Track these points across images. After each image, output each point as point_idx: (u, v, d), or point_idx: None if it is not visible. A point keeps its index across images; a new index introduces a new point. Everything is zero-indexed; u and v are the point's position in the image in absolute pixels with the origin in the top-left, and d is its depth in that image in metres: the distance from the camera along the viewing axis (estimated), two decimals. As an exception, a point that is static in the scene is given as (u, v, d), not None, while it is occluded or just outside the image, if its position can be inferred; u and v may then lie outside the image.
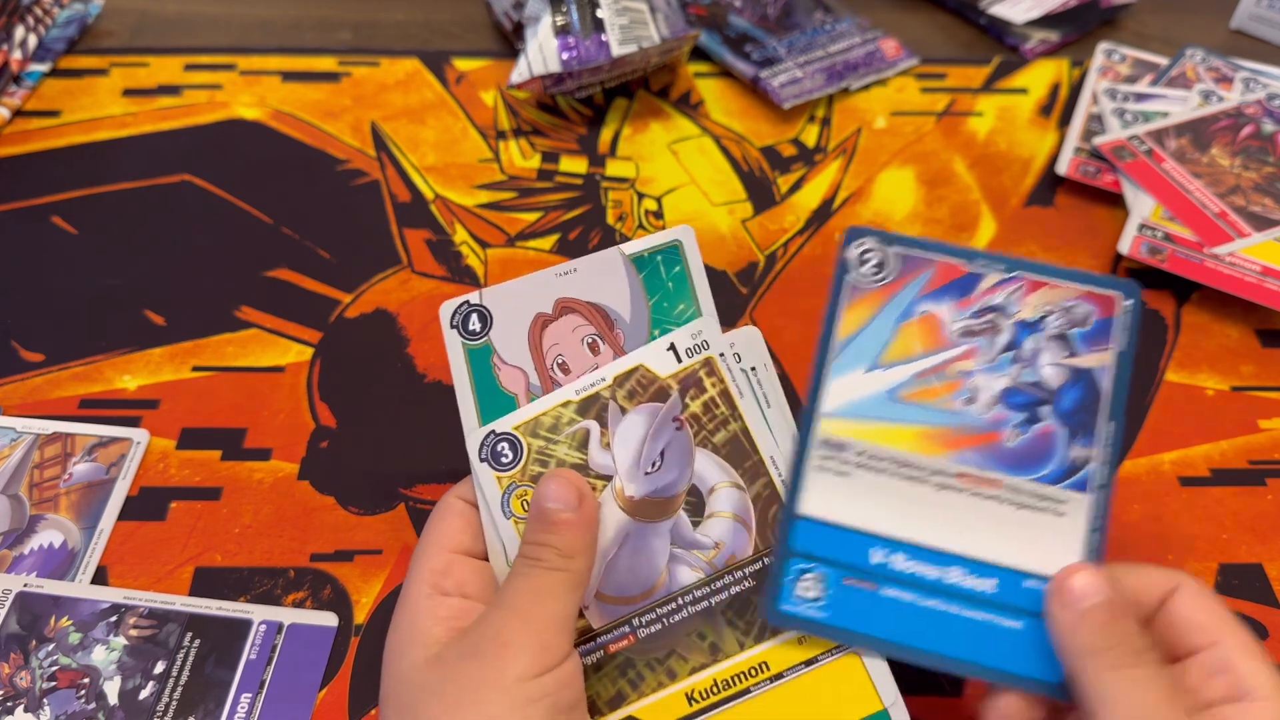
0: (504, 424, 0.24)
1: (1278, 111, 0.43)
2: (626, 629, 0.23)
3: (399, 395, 0.34)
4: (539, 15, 0.42)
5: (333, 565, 0.29)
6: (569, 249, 0.39)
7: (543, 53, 0.41)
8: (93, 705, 0.26)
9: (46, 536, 0.30)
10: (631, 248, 0.26)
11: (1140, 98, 0.44)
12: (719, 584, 0.23)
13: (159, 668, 0.27)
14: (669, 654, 0.23)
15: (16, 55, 0.44)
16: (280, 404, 0.33)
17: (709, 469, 0.24)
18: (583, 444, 0.24)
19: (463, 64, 0.46)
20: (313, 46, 0.47)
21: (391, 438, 0.33)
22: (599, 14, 0.42)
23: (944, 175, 0.42)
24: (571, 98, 0.44)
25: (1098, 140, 0.42)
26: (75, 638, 0.27)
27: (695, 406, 0.24)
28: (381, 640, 0.28)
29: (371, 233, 0.39)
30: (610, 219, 0.40)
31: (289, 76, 0.45)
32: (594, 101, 0.45)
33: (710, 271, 0.38)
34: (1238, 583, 0.29)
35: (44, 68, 0.45)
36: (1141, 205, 0.39)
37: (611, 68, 0.42)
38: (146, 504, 0.31)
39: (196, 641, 0.27)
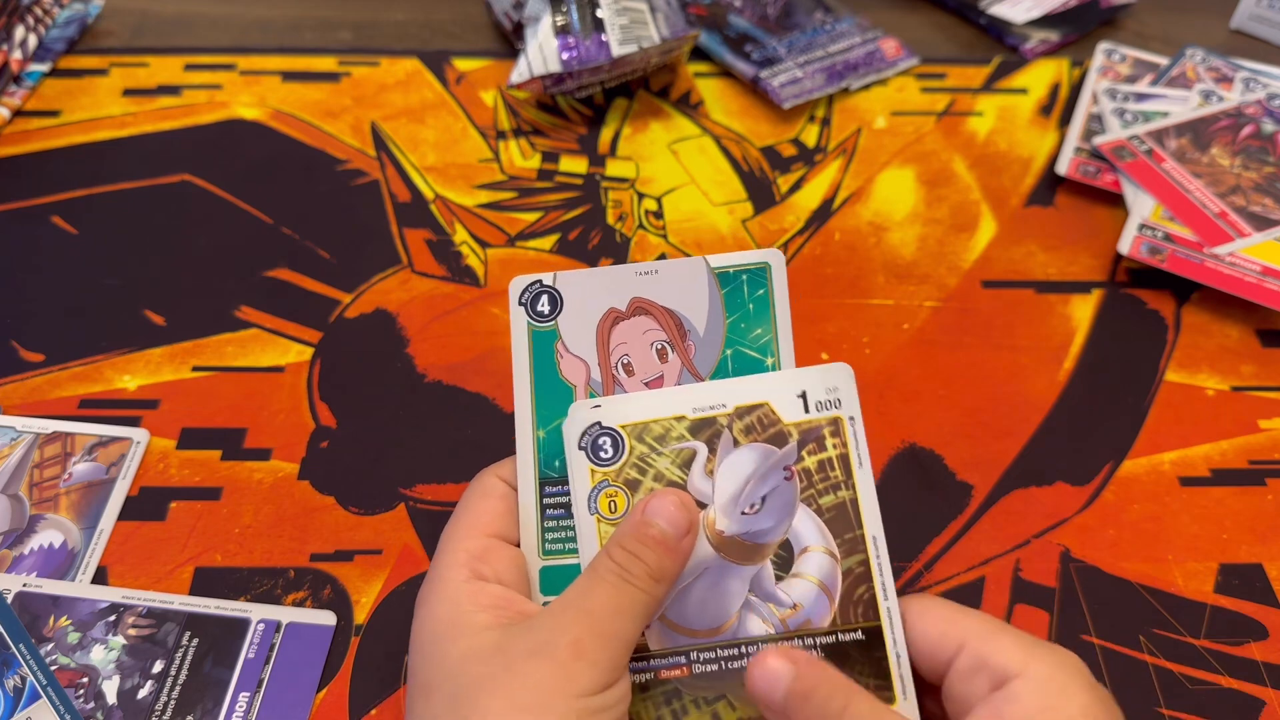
0: (612, 419, 0.24)
1: (1278, 111, 0.43)
2: (683, 660, 0.22)
3: (399, 395, 0.34)
4: (539, 15, 0.42)
5: (333, 565, 0.29)
6: (569, 249, 0.39)
7: (543, 53, 0.41)
8: (91, 704, 0.26)
9: (46, 536, 0.30)
10: (718, 261, 0.25)
11: (1140, 98, 0.44)
12: (788, 645, 0.22)
13: (157, 667, 0.27)
14: (719, 698, 0.22)
15: (16, 55, 0.44)
16: (280, 404, 0.33)
17: (808, 529, 0.23)
18: (686, 464, 0.23)
19: (463, 64, 0.46)
20: (313, 46, 0.47)
21: (391, 438, 0.33)
22: (599, 14, 0.42)
23: (944, 175, 0.42)
24: (571, 98, 0.44)
25: (1098, 140, 0.42)
26: (74, 637, 0.27)
27: (810, 462, 0.23)
28: (382, 641, 0.28)
29: (371, 233, 0.39)
30: (610, 219, 0.40)
31: (289, 76, 0.45)
32: (594, 101, 0.45)
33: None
34: (1238, 583, 0.29)
35: (44, 68, 0.45)
36: (1141, 205, 0.39)
37: (611, 68, 0.42)
38: (146, 504, 0.31)
39: (195, 641, 0.27)
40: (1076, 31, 0.49)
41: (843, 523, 0.23)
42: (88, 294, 0.36)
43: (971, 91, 0.46)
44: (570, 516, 0.24)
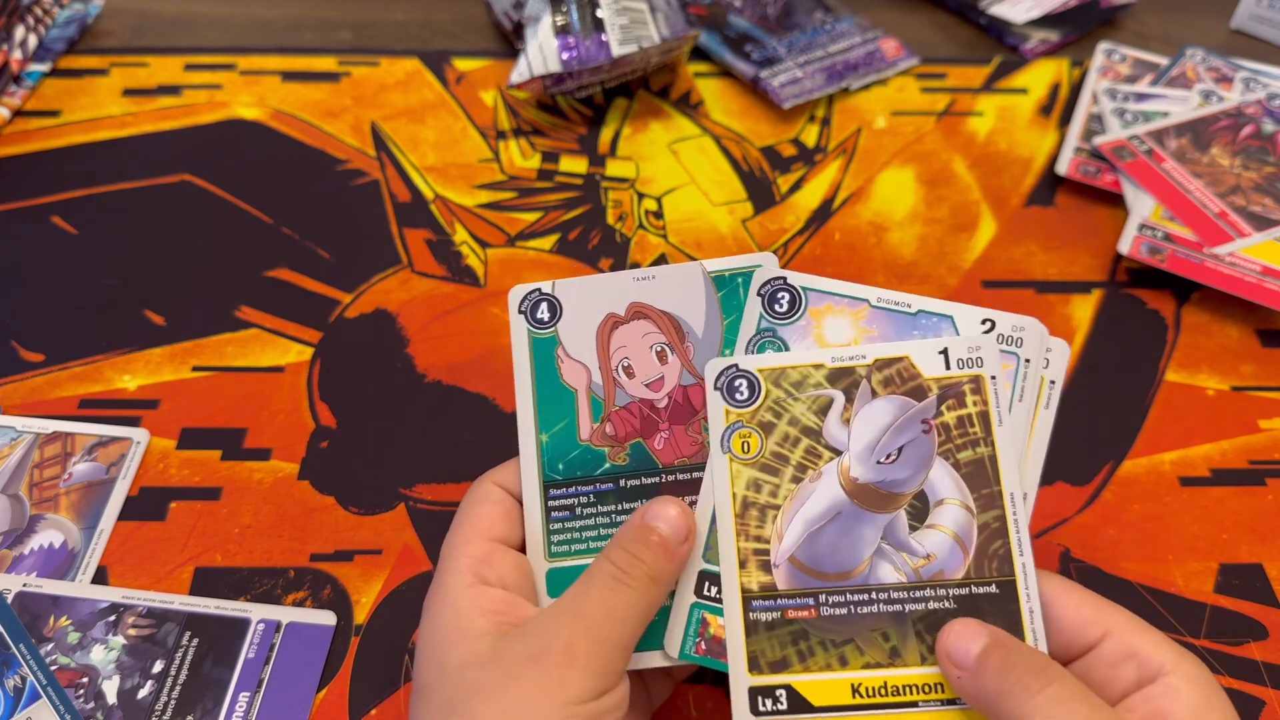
0: (749, 362, 0.24)
1: (1278, 111, 0.43)
2: (811, 601, 0.23)
3: (399, 395, 0.34)
4: (539, 15, 0.42)
5: (332, 565, 0.29)
6: (569, 249, 0.39)
7: (543, 53, 0.41)
8: (91, 705, 0.26)
9: (46, 536, 0.30)
10: (714, 265, 0.26)
11: (1140, 97, 0.44)
12: (919, 594, 0.22)
13: (157, 667, 0.27)
14: (846, 641, 0.22)
15: (16, 55, 0.44)
16: (280, 404, 0.33)
17: (944, 482, 0.23)
18: (822, 410, 0.24)
19: (463, 64, 0.46)
20: (312, 46, 0.47)
21: (391, 438, 0.33)
22: (599, 14, 0.42)
23: (944, 175, 0.42)
24: (571, 98, 0.44)
25: (1098, 140, 0.42)
26: (74, 637, 0.27)
27: (949, 417, 0.23)
28: (382, 641, 0.28)
29: (371, 233, 0.39)
30: (610, 219, 0.40)
31: (289, 76, 0.45)
32: (594, 101, 0.45)
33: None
34: (1238, 583, 0.29)
35: (44, 68, 0.45)
36: (1141, 205, 0.39)
37: (611, 68, 0.42)
38: (146, 504, 0.31)
39: (195, 640, 0.27)
40: (1076, 31, 0.49)
41: (980, 478, 0.23)
42: (88, 294, 0.37)
43: (971, 91, 0.46)
44: (575, 518, 0.24)
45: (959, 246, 0.39)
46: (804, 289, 0.25)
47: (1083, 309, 0.37)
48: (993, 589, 0.22)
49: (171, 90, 0.44)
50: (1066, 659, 0.22)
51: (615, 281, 0.25)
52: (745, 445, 0.24)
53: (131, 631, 0.28)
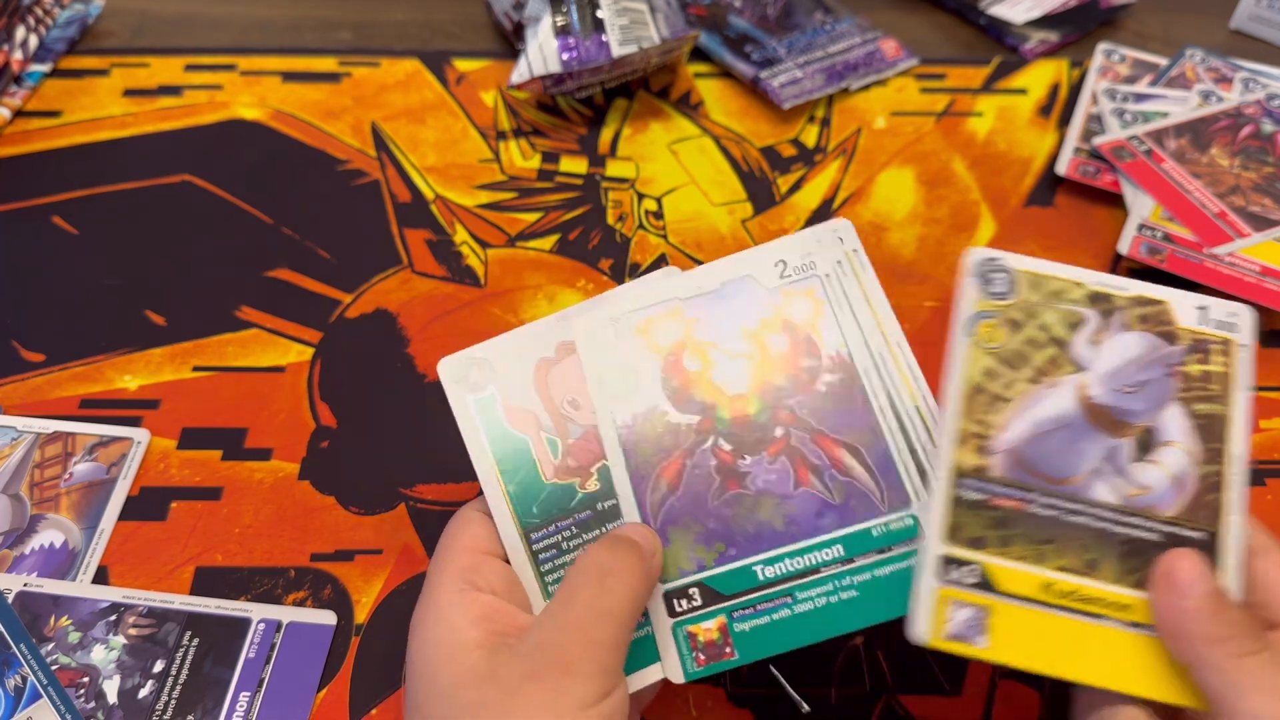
0: (1012, 261, 0.25)
1: (1277, 112, 0.43)
2: (1021, 494, 0.23)
3: (399, 395, 0.34)
4: (539, 15, 0.42)
5: (333, 565, 0.29)
6: (569, 249, 0.39)
7: (543, 53, 0.41)
8: (92, 704, 0.26)
9: (47, 536, 0.30)
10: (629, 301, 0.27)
11: (1140, 98, 0.44)
12: (1128, 519, 0.23)
13: (158, 667, 0.27)
14: (1047, 540, 0.23)
15: (17, 55, 0.44)
16: (281, 404, 0.33)
17: (1175, 426, 0.24)
18: (1074, 326, 0.25)
19: (463, 64, 0.46)
20: (313, 47, 0.47)
21: (392, 438, 0.33)
22: (599, 14, 0.42)
23: (944, 175, 0.42)
24: (571, 98, 0.44)
25: (1097, 140, 0.42)
26: (75, 637, 0.27)
27: (1194, 369, 0.24)
28: (382, 641, 0.28)
29: (372, 233, 0.39)
30: (610, 219, 0.40)
31: (289, 77, 0.45)
32: (594, 102, 0.45)
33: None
34: (1237, 582, 0.29)
35: (45, 68, 0.45)
36: (1141, 205, 0.39)
37: (612, 68, 0.42)
38: (147, 504, 0.31)
39: (195, 640, 0.27)
40: (1076, 32, 0.49)
41: (1210, 433, 0.24)
42: (88, 294, 0.37)
43: (971, 92, 0.46)
44: (563, 553, 0.25)
45: (959, 247, 0.39)
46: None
47: (1082, 309, 0.37)
48: (1199, 534, 0.23)
49: (172, 90, 0.44)
50: (1267, 625, 0.22)
51: (537, 329, 0.26)
52: (991, 335, 0.25)
53: (132, 631, 0.28)
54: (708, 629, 0.23)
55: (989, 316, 0.25)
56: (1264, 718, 0.19)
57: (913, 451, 0.24)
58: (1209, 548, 0.23)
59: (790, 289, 0.25)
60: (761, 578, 0.23)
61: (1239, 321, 0.25)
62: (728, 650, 0.23)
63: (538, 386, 0.26)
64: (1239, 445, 0.24)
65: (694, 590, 0.23)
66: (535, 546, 0.25)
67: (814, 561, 0.23)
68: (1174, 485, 0.23)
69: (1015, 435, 0.24)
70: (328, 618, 0.28)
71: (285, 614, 0.28)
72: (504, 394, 0.26)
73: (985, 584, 0.23)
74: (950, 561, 0.23)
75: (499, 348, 0.27)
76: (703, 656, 0.23)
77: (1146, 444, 0.24)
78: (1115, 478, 0.24)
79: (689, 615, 0.23)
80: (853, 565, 0.23)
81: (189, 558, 0.29)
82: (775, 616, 0.23)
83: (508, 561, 0.25)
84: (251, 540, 0.30)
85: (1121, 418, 0.24)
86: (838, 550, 0.23)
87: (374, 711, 0.27)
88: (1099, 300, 0.25)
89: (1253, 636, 0.20)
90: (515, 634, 0.22)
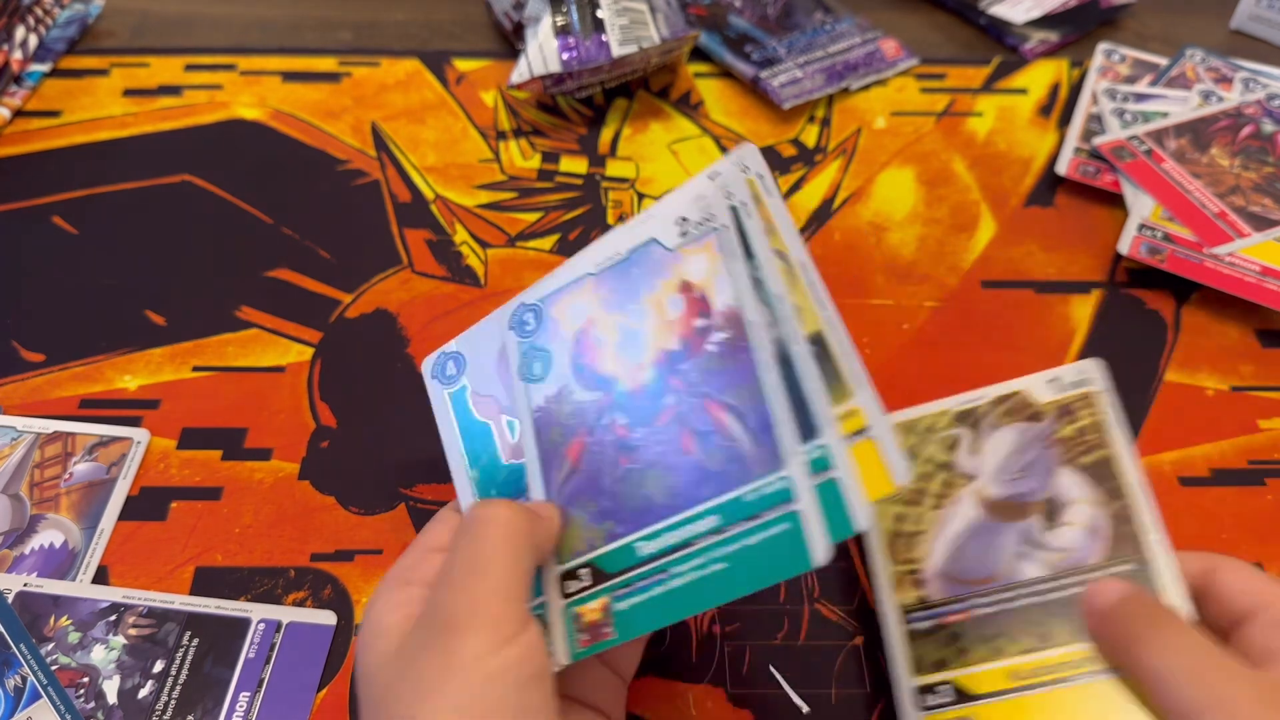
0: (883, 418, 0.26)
1: (1277, 112, 0.43)
2: (963, 605, 0.26)
3: (399, 395, 0.34)
4: (539, 15, 0.42)
5: (333, 565, 0.29)
6: (569, 249, 0.39)
7: (543, 53, 0.41)
8: (92, 704, 0.26)
9: (47, 536, 0.30)
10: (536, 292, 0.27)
11: (1140, 98, 0.44)
12: (1062, 582, 0.25)
13: (158, 667, 0.27)
14: (998, 634, 0.25)
15: (17, 55, 0.44)
16: (281, 404, 0.33)
17: (1070, 485, 0.26)
18: (952, 448, 0.28)
19: (463, 64, 0.46)
20: (313, 47, 0.47)
21: (392, 437, 0.33)
22: (599, 14, 0.42)
23: (944, 175, 0.42)
24: (572, 98, 0.44)
25: (1097, 140, 0.42)
26: (74, 637, 0.27)
27: (1068, 431, 0.27)
28: (382, 640, 0.28)
29: (372, 233, 0.39)
30: (610, 219, 0.40)
31: (289, 77, 0.45)
32: (594, 102, 0.45)
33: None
34: (1237, 582, 0.29)
35: (45, 68, 0.45)
36: (1141, 205, 0.39)
37: (612, 68, 0.42)
38: (147, 504, 0.31)
39: (195, 640, 0.27)
40: (1076, 32, 0.49)
41: (1102, 475, 0.26)
42: (88, 294, 0.37)
43: (971, 92, 0.46)
44: None
45: (959, 246, 0.39)
46: (540, 301, 0.26)
47: (1082, 309, 0.37)
48: (1131, 566, 0.25)
49: (172, 90, 0.44)
50: (1226, 625, 0.23)
51: (498, 315, 0.27)
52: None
53: (132, 631, 0.28)
54: (592, 609, 0.23)
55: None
56: (1196, 704, 0.20)
57: (799, 401, 0.21)
58: (1143, 575, 0.24)
59: (689, 247, 0.24)
60: (640, 554, 0.22)
61: (1089, 375, 0.27)
62: (607, 630, 0.22)
63: (499, 370, 0.26)
64: (1132, 474, 0.26)
65: (583, 571, 0.23)
66: None
67: (690, 534, 0.22)
68: (1090, 535, 0.25)
69: (939, 558, 0.27)
70: (328, 618, 0.28)
71: (285, 614, 0.28)
72: (472, 384, 0.27)
73: (961, 697, 0.25)
74: (924, 690, 0.25)
75: (469, 340, 0.27)
76: (585, 637, 0.23)
77: (1053, 513, 0.26)
78: (1037, 552, 0.26)
79: (578, 596, 0.23)
80: (723, 535, 0.22)
81: (189, 558, 0.29)
82: (651, 594, 0.22)
83: None
84: (251, 540, 0.30)
85: (1021, 500, 0.27)
86: (712, 520, 0.22)
87: (374, 711, 0.27)
88: (964, 417, 0.28)
89: (1161, 622, 0.22)
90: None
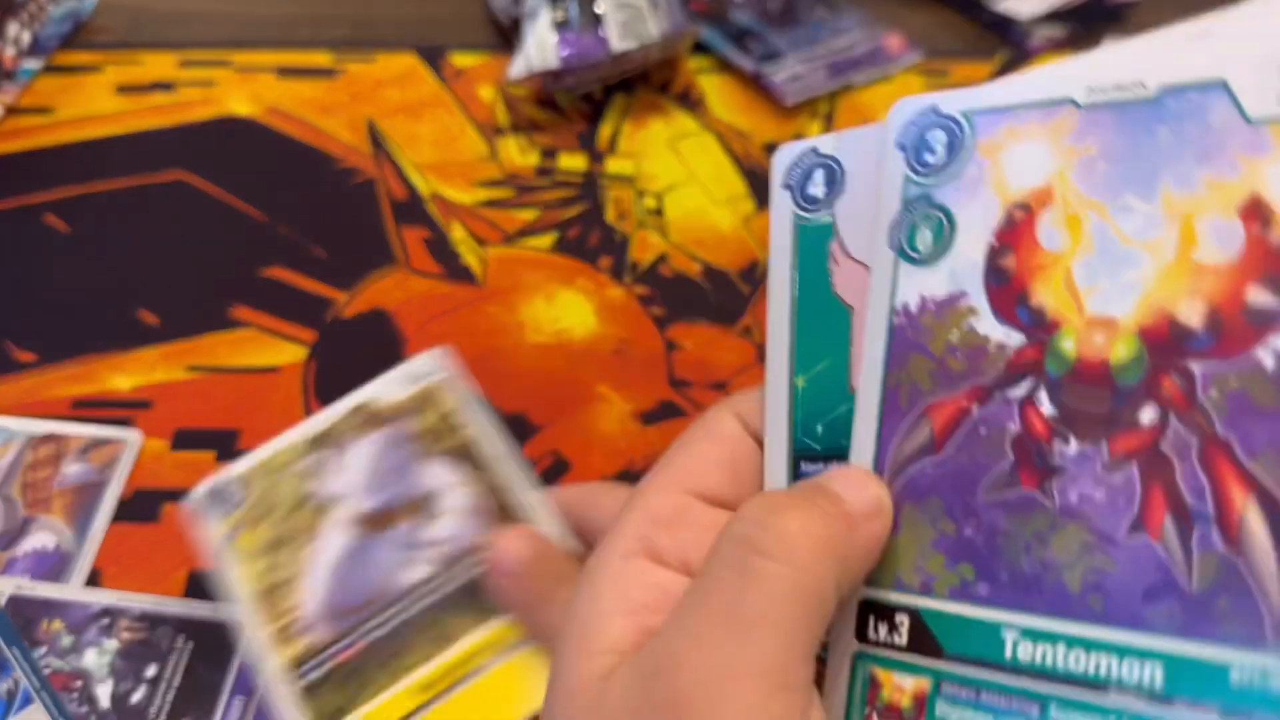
0: (235, 471, 0.25)
1: (1287, 108, 0.42)
2: (354, 637, 0.24)
3: (395, 396, 0.33)
4: (537, 10, 0.42)
5: (327, 568, 0.29)
6: (568, 247, 0.38)
7: (541, 48, 0.41)
8: (85, 709, 0.26)
9: (39, 539, 0.29)
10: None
11: (1147, 94, 0.43)
12: (449, 574, 0.24)
13: (151, 671, 0.27)
14: (395, 653, 0.23)
15: (10, 51, 0.44)
16: (275, 405, 0.33)
17: (439, 475, 0.25)
18: (311, 477, 0.26)
19: (460, 60, 0.46)
20: (308, 41, 0.46)
21: (387, 439, 0.32)
22: (597, 9, 0.41)
23: (947, 173, 0.42)
24: (570, 94, 0.44)
25: (1103, 137, 0.41)
26: (67, 641, 0.27)
27: (427, 423, 0.26)
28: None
29: (368, 231, 0.38)
30: (610, 217, 0.39)
31: (284, 73, 0.45)
32: (593, 98, 0.44)
33: (711, 270, 0.38)
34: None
35: (37, 64, 0.44)
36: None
37: (611, 64, 0.42)
38: (140, 506, 0.30)
39: (189, 644, 0.27)
40: (1082, 27, 0.48)
41: (466, 455, 0.26)
42: (81, 293, 0.36)
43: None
44: None
45: (962, 245, 0.39)
46: (967, 114, 0.15)
47: (1088, 309, 0.37)
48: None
49: (165, 87, 0.44)
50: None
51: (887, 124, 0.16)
52: (246, 543, 0.25)
53: (125, 635, 0.27)
54: (901, 687, 0.14)
55: (229, 538, 0.25)
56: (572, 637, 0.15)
57: None
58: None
59: None
60: (1010, 654, 0.14)
61: (435, 365, 0.26)
62: None
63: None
64: (493, 447, 0.25)
65: (903, 619, 0.15)
66: (802, 482, 0.16)
67: (1104, 671, 0.13)
68: (470, 516, 0.25)
69: (319, 596, 0.24)
70: (322, 622, 0.28)
71: (279, 618, 0.28)
72: (844, 227, 0.16)
73: None
74: None
75: (862, 148, 0.16)
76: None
77: (428, 508, 0.25)
78: (419, 553, 0.24)
79: (883, 653, 0.15)
80: (1167, 714, 0.12)
81: (182, 561, 0.29)
82: None
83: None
84: (245, 543, 0.30)
85: (397, 505, 0.25)
86: (1152, 673, 0.12)
87: (369, 717, 0.26)
88: (320, 440, 0.26)
89: (560, 581, 0.18)
90: (641, 649, 0.15)
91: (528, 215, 0.39)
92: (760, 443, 0.17)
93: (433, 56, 0.46)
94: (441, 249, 0.38)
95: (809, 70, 0.45)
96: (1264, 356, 0.12)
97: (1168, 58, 0.14)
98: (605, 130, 0.43)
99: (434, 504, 0.25)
